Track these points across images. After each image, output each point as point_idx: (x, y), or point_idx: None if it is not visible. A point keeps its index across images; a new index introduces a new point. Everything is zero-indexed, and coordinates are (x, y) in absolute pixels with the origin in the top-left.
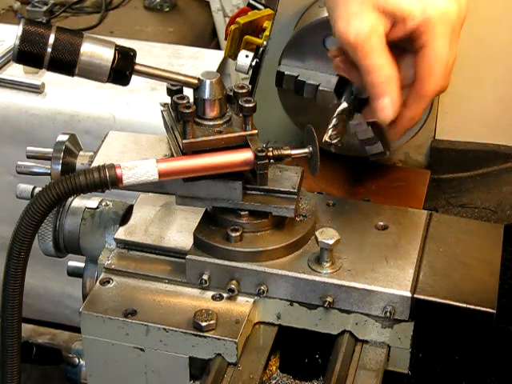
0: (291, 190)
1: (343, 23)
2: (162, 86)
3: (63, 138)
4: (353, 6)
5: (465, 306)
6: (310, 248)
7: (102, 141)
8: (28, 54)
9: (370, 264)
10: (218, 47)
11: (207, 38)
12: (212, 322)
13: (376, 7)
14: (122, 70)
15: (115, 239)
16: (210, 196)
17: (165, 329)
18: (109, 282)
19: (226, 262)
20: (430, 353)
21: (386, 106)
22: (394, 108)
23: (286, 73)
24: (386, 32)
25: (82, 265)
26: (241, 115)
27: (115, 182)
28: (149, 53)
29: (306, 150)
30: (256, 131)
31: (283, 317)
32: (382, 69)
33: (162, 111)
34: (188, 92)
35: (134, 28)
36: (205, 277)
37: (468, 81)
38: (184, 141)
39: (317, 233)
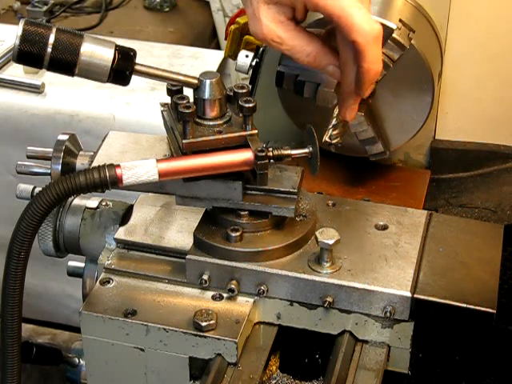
0: (291, 190)
1: (250, 26)
2: (162, 86)
3: (63, 137)
4: (251, 8)
5: (465, 306)
6: (310, 248)
7: (102, 141)
8: (28, 54)
9: (369, 264)
10: (218, 47)
11: (207, 38)
12: (212, 322)
13: (269, 1)
14: (122, 69)
15: (115, 239)
16: (210, 196)
17: (165, 329)
18: (109, 282)
19: (226, 262)
20: (430, 353)
21: (333, 72)
22: (339, 70)
23: (285, 73)
24: (290, 16)
25: (82, 265)
26: (241, 115)
27: (115, 182)
28: (149, 53)
29: (306, 150)
30: (256, 131)
31: (283, 317)
32: (303, 48)
33: (162, 111)
34: (188, 92)
35: (134, 28)
36: (205, 277)
37: (468, 81)
38: (184, 141)
39: (317, 233)
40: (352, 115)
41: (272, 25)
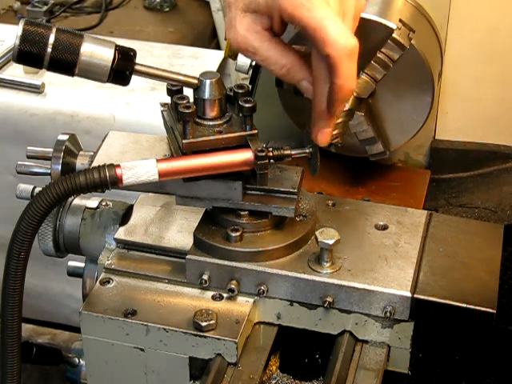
0: (291, 190)
1: (227, 33)
2: (162, 86)
3: (63, 137)
4: (228, 15)
5: (465, 306)
6: (310, 248)
7: (102, 141)
8: (28, 54)
9: (369, 264)
10: (218, 47)
11: (207, 38)
12: (212, 321)
13: (247, 10)
14: (122, 69)
15: (115, 239)
16: (209, 196)
17: (165, 329)
18: (109, 282)
19: (226, 262)
20: (430, 353)
21: (306, 87)
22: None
23: None
24: (266, 27)
25: (82, 265)
26: (241, 115)
27: (115, 182)
28: (149, 53)
29: (306, 150)
30: (256, 131)
31: (283, 317)
32: (277, 60)
33: (162, 111)
34: (188, 92)
35: (134, 28)
36: (205, 277)
37: (468, 81)
38: (184, 141)
39: (317, 233)
40: (324, 139)
41: (247, 34)
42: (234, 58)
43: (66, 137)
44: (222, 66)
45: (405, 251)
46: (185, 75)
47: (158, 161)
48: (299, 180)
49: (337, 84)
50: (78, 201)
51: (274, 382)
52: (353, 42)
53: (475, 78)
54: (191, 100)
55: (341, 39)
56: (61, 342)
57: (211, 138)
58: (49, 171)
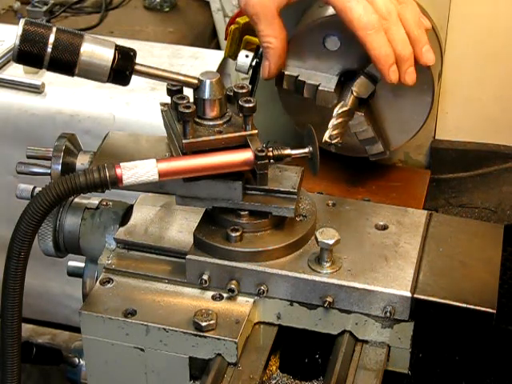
0: (291, 190)
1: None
2: (162, 86)
3: (63, 137)
4: None
5: (465, 306)
6: (309, 248)
7: (102, 141)
8: (28, 54)
9: (369, 264)
10: (218, 47)
11: (207, 38)
12: (212, 321)
13: None
14: (122, 69)
15: (115, 239)
16: (210, 196)
17: (165, 329)
18: (109, 282)
19: (226, 262)
20: (430, 353)
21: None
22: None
23: (285, 73)
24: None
25: (82, 265)
26: (241, 115)
27: (115, 182)
28: (149, 53)
29: (306, 150)
30: (256, 131)
31: (283, 317)
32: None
33: (162, 111)
34: (188, 92)
35: (134, 28)
36: (205, 277)
37: (468, 81)
38: (184, 141)
39: (317, 233)
40: (413, 78)
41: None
42: (234, 58)
43: (66, 137)
44: (222, 66)
45: (405, 251)
46: (185, 75)
47: (158, 161)
48: (299, 180)
49: (372, 55)
50: (78, 201)
51: (273, 382)
52: (374, 18)
53: (475, 78)
54: (191, 100)
55: (363, 18)
56: (61, 342)
57: (211, 137)
58: (49, 171)
